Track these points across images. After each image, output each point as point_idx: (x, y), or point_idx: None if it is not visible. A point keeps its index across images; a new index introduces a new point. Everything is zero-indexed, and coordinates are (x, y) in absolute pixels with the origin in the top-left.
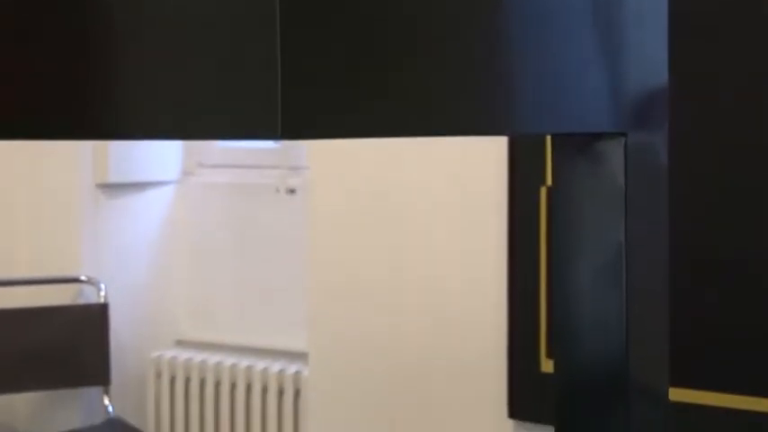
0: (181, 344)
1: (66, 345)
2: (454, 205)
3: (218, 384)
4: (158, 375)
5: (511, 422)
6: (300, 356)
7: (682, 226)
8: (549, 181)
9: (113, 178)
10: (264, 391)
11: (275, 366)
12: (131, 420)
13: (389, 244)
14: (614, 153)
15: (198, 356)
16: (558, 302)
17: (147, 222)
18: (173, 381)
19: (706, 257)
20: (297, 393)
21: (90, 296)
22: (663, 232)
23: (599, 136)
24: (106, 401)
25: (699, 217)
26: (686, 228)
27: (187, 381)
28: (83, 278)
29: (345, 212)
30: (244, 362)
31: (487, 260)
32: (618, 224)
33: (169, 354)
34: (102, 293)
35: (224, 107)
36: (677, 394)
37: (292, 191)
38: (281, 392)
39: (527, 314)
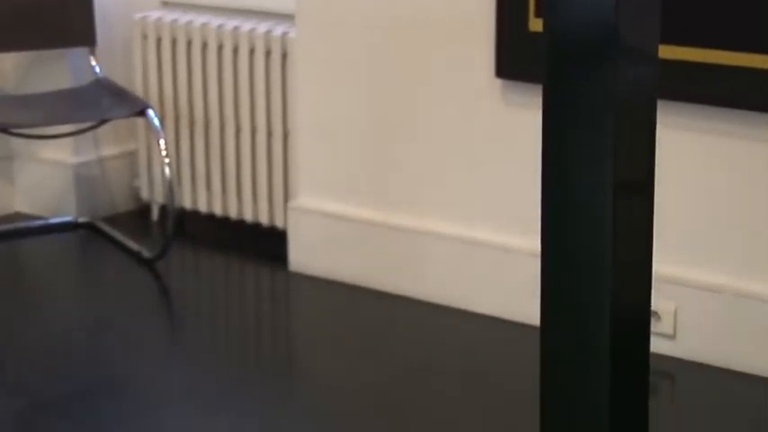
0: (166, 5)
1: (49, 5)
2: None
3: (204, 46)
4: (144, 37)
5: (499, 81)
6: (288, 17)
7: None
8: None
9: None
10: (252, 52)
11: (262, 27)
12: (119, 81)
13: None
14: None
15: (184, 17)
16: None
17: None
18: (159, 42)
19: None
20: (284, 55)
21: None
22: None
23: None
24: (93, 62)
25: None
26: None
27: (173, 42)
28: None
29: None
30: (230, 23)
31: None
32: None
33: (154, 15)
34: None
35: None
36: (667, 51)
37: None
38: (268, 53)
39: None
